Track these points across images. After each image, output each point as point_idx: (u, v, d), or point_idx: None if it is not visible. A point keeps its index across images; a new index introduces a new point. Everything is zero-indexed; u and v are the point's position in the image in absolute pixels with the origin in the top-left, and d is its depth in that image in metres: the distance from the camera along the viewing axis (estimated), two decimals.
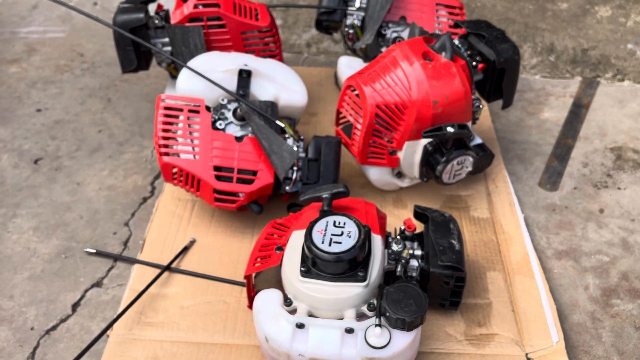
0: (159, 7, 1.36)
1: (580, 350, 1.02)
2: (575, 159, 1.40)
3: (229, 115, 1.17)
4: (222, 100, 1.17)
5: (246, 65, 1.19)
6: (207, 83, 1.16)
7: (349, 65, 1.45)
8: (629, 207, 1.28)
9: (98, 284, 1.11)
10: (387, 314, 0.84)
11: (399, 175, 1.24)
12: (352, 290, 0.87)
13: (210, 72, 1.18)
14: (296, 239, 0.93)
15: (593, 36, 1.83)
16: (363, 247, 0.88)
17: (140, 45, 1.31)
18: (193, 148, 1.10)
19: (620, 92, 1.62)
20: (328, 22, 1.49)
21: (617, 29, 1.86)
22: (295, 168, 1.15)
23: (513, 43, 1.21)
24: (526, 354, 0.98)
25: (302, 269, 0.89)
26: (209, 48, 1.31)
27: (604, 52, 1.76)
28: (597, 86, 1.64)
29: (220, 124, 1.15)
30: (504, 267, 1.13)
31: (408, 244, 0.99)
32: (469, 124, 1.17)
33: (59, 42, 1.77)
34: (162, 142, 1.10)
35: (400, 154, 1.16)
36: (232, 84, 1.18)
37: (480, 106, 1.20)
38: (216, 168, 1.10)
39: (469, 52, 1.23)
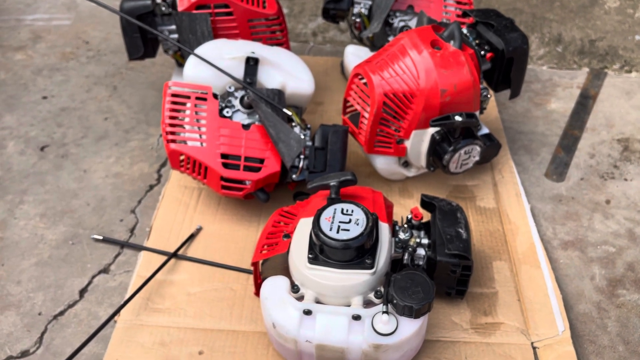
0: None
1: (585, 339, 1.02)
2: (582, 150, 1.40)
3: (236, 103, 1.16)
4: (230, 87, 1.17)
5: (253, 52, 1.19)
6: (215, 70, 1.16)
7: (355, 55, 1.45)
8: (636, 198, 1.28)
9: (105, 270, 1.12)
10: (395, 301, 0.84)
11: (406, 164, 1.24)
12: (359, 278, 0.87)
13: (218, 60, 1.17)
14: (304, 226, 0.93)
15: (601, 27, 1.82)
16: (371, 235, 0.88)
17: (147, 32, 1.31)
18: (200, 135, 1.10)
19: (627, 84, 1.61)
20: (335, 11, 1.48)
21: (625, 20, 1.85)
22: (302, 156, 1.14)
23: (522, 32, 1.20)
24: (532, 343, 0.99)
25: (310, 256, 0.89)
26: (215, 35, 1.30)
27: (611, 43, 1.75)
28: (605, 77, 1.63)
29: (227, 112, 1.15)
30: (510, 256, 1.13)
31: (415, 232, 0.99)
32: (477, 113, 1.17)
33: (64, 30, 1.77)
34: (169, 129, 1.10)
35: (408, 143, 1.16)
36: (239, 72, 1.18)
37: (488, 96, 1.20)
38: (223, 155, 1.10)
39: (477, 41, 1.22)
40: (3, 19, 1.81)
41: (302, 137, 1.13)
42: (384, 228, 0.94)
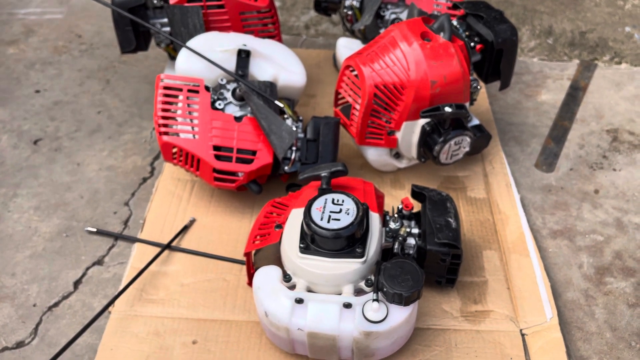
0: None
1: (573, 326, 1.04)
2: (571, 141, 1.41)
3: (228, 95, 1.17)
4: (221, 80, 1.18)
5: (245, 45, 1.19)
6: (207, 63, 1.17)
7: (347, 47, 1.45)
8: (624, 188, 1.30)
9: (99, 262, 1.13)
10: (385, 289, 0.85)
11: (397, 155, 1.25)
12: (350, 266, 0.88)
13: (210, 52, 1.18)
14: (295, 216, 0.95)
15: (591, 19, 1.83)
16: (361, 224, 0.89)
17: (139, 25, 1.31)
18: (192, 128, 1.11)
19: (617, 75, 1.62)
20: (327, 4, 1.49)
21: (615, 12, 1.86)
22: (294, 148, 1.15)
23: (511, 24, 1.21)
24: (520, 330, 1.00)
25: (301, 245, 0.90)
26: (207, 28, 1.31)
27: (601, 35, 1.76)
28: (595, 69, 1.65)
29: (219, 104, 1.15)
30: (500, 246, 1.14)
31: (405, 222, 1.01)
32: (467, 104, 1.18)
33: (56, 24, 1.77)
34: (161, 121, 1.11)
35: (399, 135, 1.17)
36: (231, 64, 1.19)
37: (478, 87, 1.21)
38: (216, 148, 1.11)
39: (467, 33, 1.23)
40: None
41: (294, 129, 1.14)
42: (375, 218, 0.95)
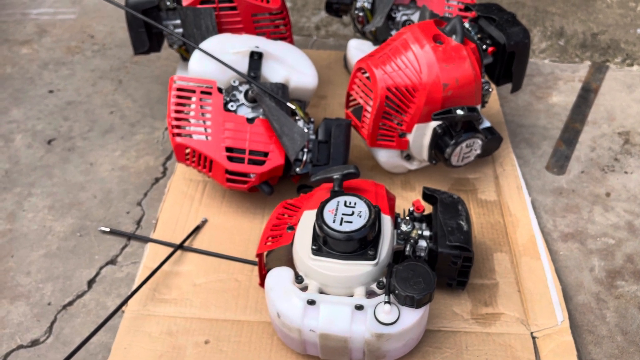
0: None
1: (584, 329, 1.04)
2: (582, 143, 1.41)
3: (241, 97, 1.18)
4: (234, 82, 1.19)
5: (257, 47, 1.20)
6: (219, 65, 1.17)
7: (358, 49, 1.46)
8: (636, 191, 1.29)
9: (112, 261, 1.14)
10: (397, 292, 0.86)
11: (408, 157, 1.25)
12: (362, 269, 0.89)
13: (222, 54, 1.19)
14: (307, 218, 0.95)
15: (603, 20, 1.82)
16: (373, 227, 0.90)
17: (152, 26, 1.32)
18: (205, 129, 1.12)
19: (629, 77, 1.62)
20: (338, 5, 1.49)
21: (627, 13, 1.85)
22: (305, 150, 1.16)
23: (523, 26, 1.21)
24: (531, 333, 1.00)
25: (314, 247, 0.91)
26: (220, 30, 1.32)
27: (613, 36, 1.76)
28: (606, 71, 1.64)
29: (231, 106, 1.16)
30: (511, 248, 1.15)
31: (417, 224, 1.01)
32: (478, 107, 1.18)
33: (69, 24, 1.78)
34: (174, 123, 1.12)
35: (410, 137, 1.17)
36: (243, 66, 1.19)
37: (490, 89, 1.21)
38: (228, 149, 1.11)
39: (479, 36, 1.23)
40: (8, 12, 1.82)
41: (306, 130, 1.15)
42: (386, 220, 0.95)
